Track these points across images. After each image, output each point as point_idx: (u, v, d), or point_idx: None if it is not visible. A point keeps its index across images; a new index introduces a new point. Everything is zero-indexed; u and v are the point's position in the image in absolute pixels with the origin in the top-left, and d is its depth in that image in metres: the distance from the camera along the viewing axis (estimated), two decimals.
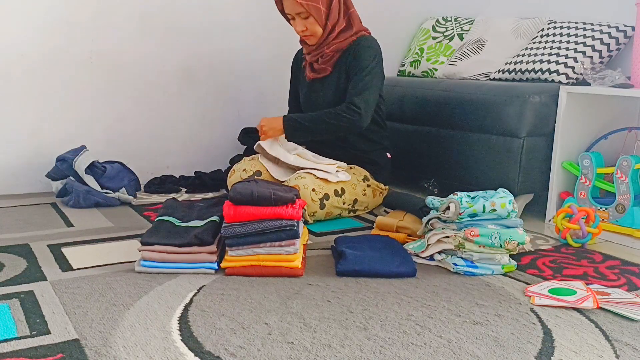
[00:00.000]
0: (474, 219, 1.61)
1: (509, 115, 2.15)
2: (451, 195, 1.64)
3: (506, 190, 1.67)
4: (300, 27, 2.11)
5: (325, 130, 2.10)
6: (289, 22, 2.18)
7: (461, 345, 1.17)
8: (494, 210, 1.60)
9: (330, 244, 1.79)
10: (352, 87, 2.10)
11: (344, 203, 2.09)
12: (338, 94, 2.17)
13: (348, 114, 2.06)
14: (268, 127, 2.12)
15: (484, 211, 1.59)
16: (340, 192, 2.07)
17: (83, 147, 2.36)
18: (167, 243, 1.53)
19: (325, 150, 2.27)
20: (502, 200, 1.60)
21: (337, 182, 2.08)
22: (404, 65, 3.14)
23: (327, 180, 2.06)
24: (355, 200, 2.13)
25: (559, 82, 2.34)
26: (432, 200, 1.71)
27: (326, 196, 2.03)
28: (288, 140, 2.14)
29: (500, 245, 1.59)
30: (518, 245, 1.61)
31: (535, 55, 2.47)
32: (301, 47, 2.34)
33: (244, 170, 2.16)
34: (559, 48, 2.41)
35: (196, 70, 2.73)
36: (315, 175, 2.05)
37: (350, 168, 2.20)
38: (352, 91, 2.10)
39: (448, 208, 1.62)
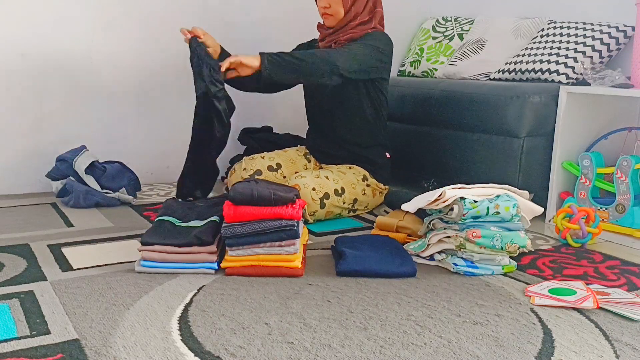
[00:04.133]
0: (477, 220, 1.60)
1: (509, 115, 2.15)
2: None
3: (510, 194, 1.66)
4: (324, 3, 2.10)
5: (307, 69, 1.94)
6: (316, 1, 2.17)
7: (461, 345, 1.17)
8: (498, 213, 1.59)
9: (330, 244, 1.79)
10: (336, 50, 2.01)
11: (344, 202, 2.09)
12: (345, 84, 2.13)
13: (324, 57, 1.96)
14: (243, 58, 1.87)
15: (487, 214, 1.59)
16: (340, 192, 2.08)
17: (83, 147, 2.36)
18: (167, 243, 1.53)
19: (325, 149, 2.27)
20: (506, 203, 1.60)
21: (337, 182, 2.08)
22: (404, 65, 3.14)
23: (327, 178, 2.07)
24: (355, 200, 2.13)
25: (559, 82, 2.33)
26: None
27: (326, 195, 2.03)
28: (263, 75, 1.89)
29: (502, 248, 1.59)
30: (519, 248, 1.61)
31: (535, 55, 2.47)
32: (312, 39, 2.33)
33: (244, 169, 2.17)
34: (559, 48, 2.41)
35: None
36: (316, 175, 2.05)
37: (350, 168, 2.20)
38: (336, 52, 1.99)
39: (451, 209, 1.62)
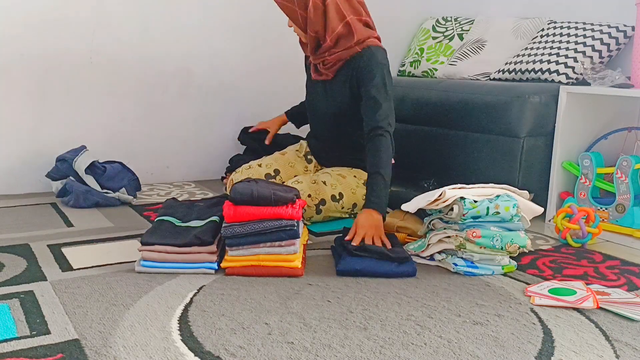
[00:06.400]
0: (477, 220, 1.60)
1: (509, 115, 2.15)
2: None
3: (510, 194, 1.66)
4: (290, 25, 2.07)
5: (388, 166, 1.88)
6: None
7: (461, 345, 1.17)
8: (498, 213, 1.59)
9: (330, 244, 1.79)
10: (369, 115, 1.93)
11: (342, 207, 2.07)
12: (338, 102, 2.10)
13: (384, 141, 1.89)
14: (369, 227, 1.72)
15: (487, 214, 1.59)
16: (337, 197, 2.05)
17: (83, 147, 2.36)
18: (167, 243, 1.53)
19: (331, 155, 2.25)
20: (506, 203, 1.60)
21: (334, 187, 2.06)
22: (404, 65, 3.14)
23: (324, 183, 2.05)
24: (355, 205, 2.10)
25: (559, 82, 2.34)
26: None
27: (322, 202, 2.01)
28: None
29: (502, 248, 1.59)
30: (519, 248, 1.61)
31: (535, 55, 2.47)
32: None
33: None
34: (559, 48, 2.41)
35: (196, 71, 2.73)
36: (312, 180, 2.04)
37: (351, 171, 2.17)
38: (372, 118, 1.91)
39: (451, 209, 1.62)
